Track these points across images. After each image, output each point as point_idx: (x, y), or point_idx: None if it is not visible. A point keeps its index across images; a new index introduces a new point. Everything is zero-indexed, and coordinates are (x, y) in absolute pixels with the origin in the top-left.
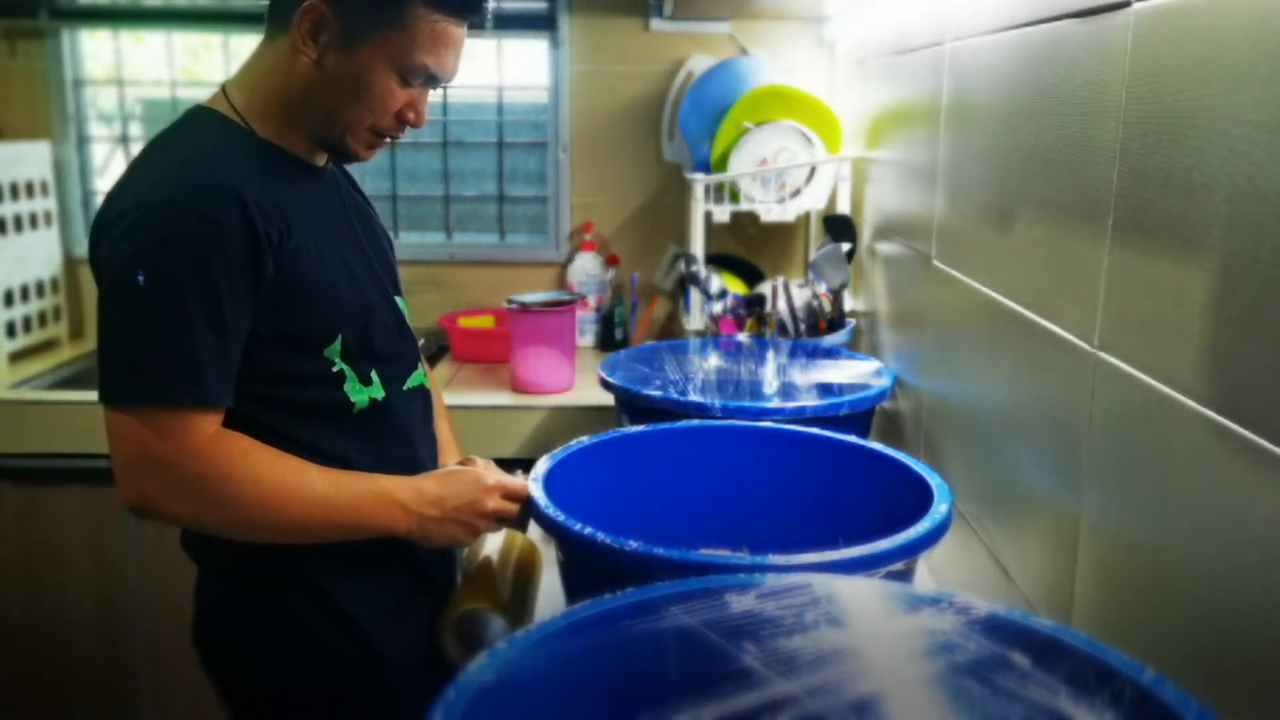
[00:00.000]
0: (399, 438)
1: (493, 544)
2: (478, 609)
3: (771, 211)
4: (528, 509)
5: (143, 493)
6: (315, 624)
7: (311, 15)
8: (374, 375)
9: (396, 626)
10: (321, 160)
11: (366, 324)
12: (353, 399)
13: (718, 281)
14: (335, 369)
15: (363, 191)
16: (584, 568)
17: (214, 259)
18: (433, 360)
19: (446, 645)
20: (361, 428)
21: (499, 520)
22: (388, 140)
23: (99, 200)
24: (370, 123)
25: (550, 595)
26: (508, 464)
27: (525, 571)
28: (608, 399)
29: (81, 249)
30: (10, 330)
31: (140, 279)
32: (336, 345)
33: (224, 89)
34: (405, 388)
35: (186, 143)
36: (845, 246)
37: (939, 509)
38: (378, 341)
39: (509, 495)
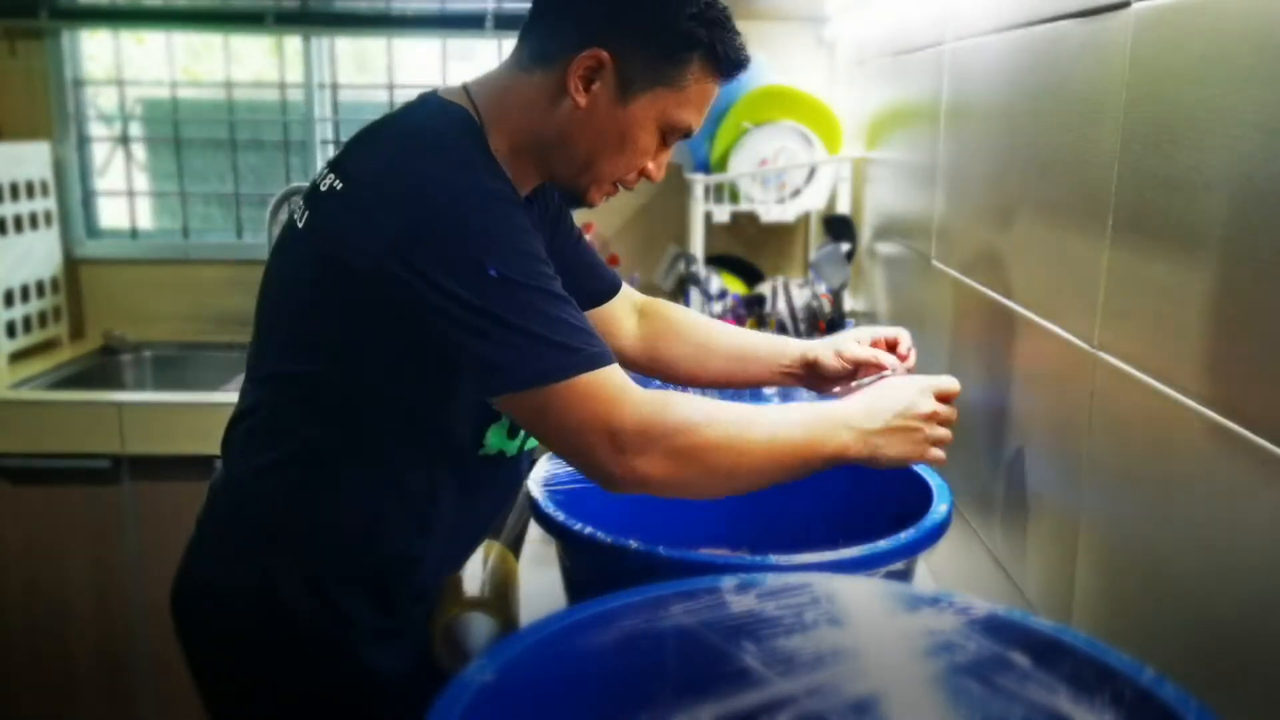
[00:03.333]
0: (502, 494)
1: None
2: (465, 613)
3: (771, 211)
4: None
5: (631, 466)
6: (305, 614)
7: (591, 62)
8: (521, 432)
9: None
10: (526, 192)
11: None
12: (488, 441)
13: (718, 281)
14: (497, 407)
15: (570, 226)
16: (584, 568)
17: (538, 244)
18: None
19: (436, 651)
20: (474, 473)
21: (941, 424)
22: (619, 190)
23: (99, 200)
24: (619, 175)
25: (550, 595)
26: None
27: (504, 574)
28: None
29: (81, 249)
30: (10, 330)
31: (492, 273)
32: None
33: (467, 92)
34: (526, 447)
35: (452, 136)
36: (845, 246)
37: (939, 509)
38: None
39: (941, 396)
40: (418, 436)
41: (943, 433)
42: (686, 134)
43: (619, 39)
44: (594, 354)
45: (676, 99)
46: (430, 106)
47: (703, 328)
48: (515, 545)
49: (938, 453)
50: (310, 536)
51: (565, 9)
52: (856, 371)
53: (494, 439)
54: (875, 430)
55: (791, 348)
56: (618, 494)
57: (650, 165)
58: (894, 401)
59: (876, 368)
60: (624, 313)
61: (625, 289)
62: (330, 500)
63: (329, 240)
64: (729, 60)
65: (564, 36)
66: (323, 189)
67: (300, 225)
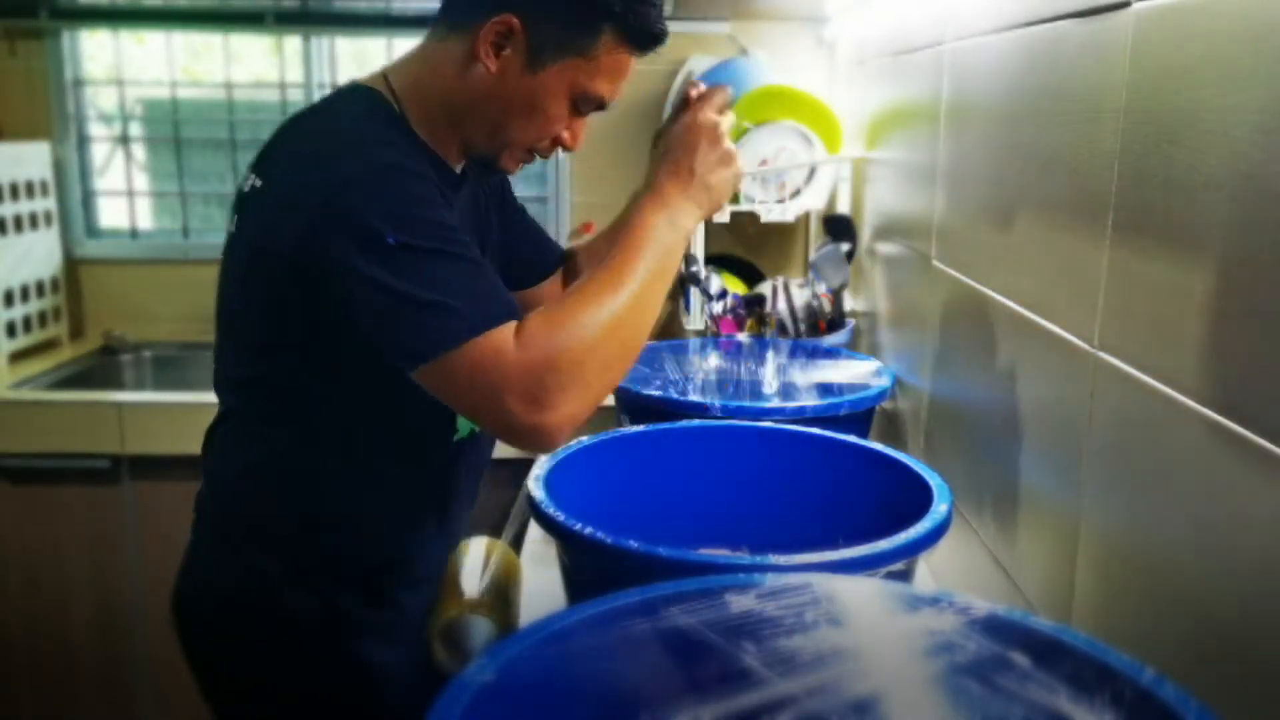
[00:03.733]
0: (474, 474)
1: (475, 552)
2: (464, 615)
3: (771, 211)
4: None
5: (535, 419)
6: (301, 612)
7: (501, 28)
8: None
9: (385, 633)
10: (459, 167)
11: None
12: (458, 425)
13: (718, 281)
14: None
15: (513, 201)
16: (584, 568)
17: (447, 214)
18: None
19: (435, 652)
20: (449, 458)
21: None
22: (535, 158)
23: (99, 200)
24: (531, 142)
25: (550, 595)
26: (508, 464)
27: (506, 576)
28: (608, 399)
29: (81, 249)
30: (10, 330)
31: (390, 241)
32: None
33: (385, 75)
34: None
35: (363, 119)
36: (845, 246)
37: (939, 509)
38: None
39: (719, 105)
40: (384, 428)
41: (729, 144)
42: (600, 105)
43: (530, 6)
44: (479, 315)
45: (588, 69)
46: (343, 95)
47: (606, 230)
48: (515, 545)
49: (743, 162)
50: (295, 534)
51: None
52: None
53: (463, 422)
54: (692, 187)
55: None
56: (547, 450)
57: (565, 134)
58: (682, 148)
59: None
60: (570, 274)
61: (573, 253)
62: (310, 497)
63: (251, 241)
64: (642, 32)
65: (477, 3)
66: (246, 190)
67: (232, 230)
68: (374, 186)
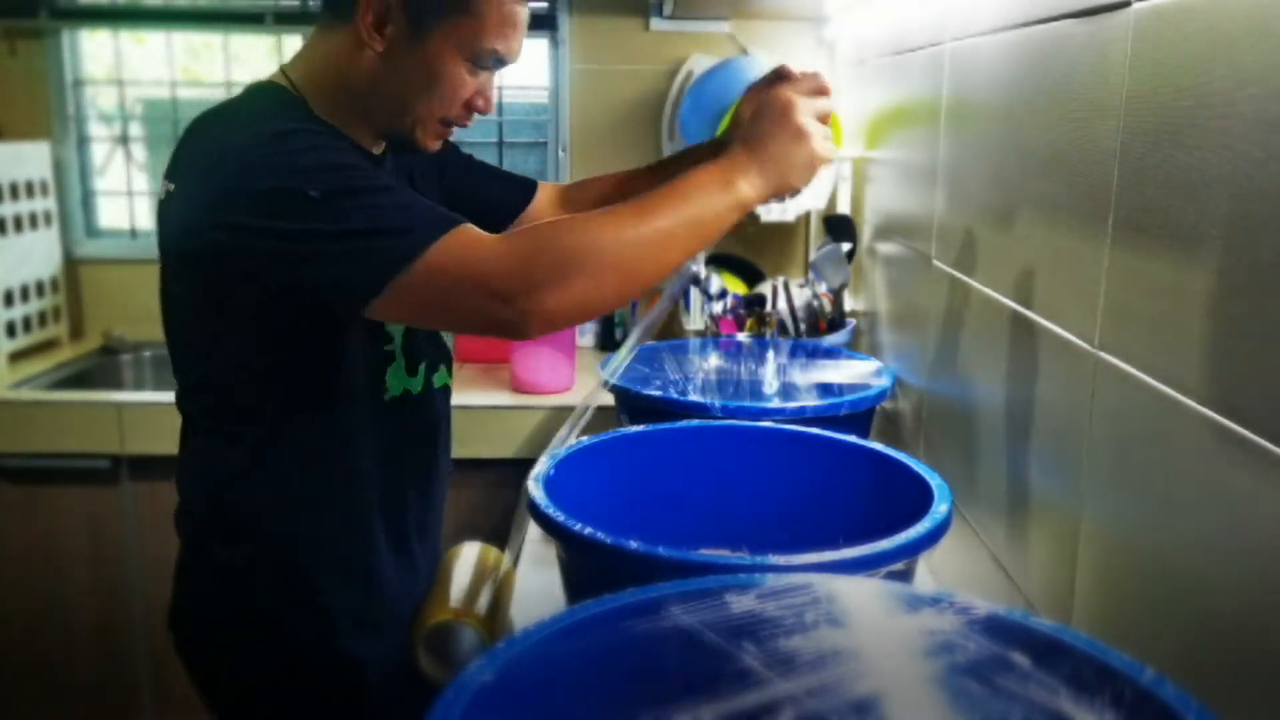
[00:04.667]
0: (423, 435)
1: (466, 556)
2: (448, 621)
3: (771, 211)
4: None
5: (524, 309)
6: (287, 616)
7: (377, 6)
8: (421, 368)
9: (373, 634)
10: (380, 149)
11: None
12: (388, 384)
13: (718, 281)
14: (388, 348)
15: (463, 157)
16: (584, 568)
17: (347, 155)
18: None
19: (418, 657)
20: (387, 419)
21: (822, 120)
22: (454, 130)
23: (99, 200)
24: (441, 113)
25: (550, 595)
26: (508, 464)
27: (498, 584)
28: (608, 399)
29: (81, 249)
30: (10, 330)
31: (313, 194)
32: (401, 325)
33: (283, 71)
34: (438, 385)
35: (263, 107)
36: (845, 246)
37: (939, 509)
38: (424, 334)
39: (806, 89)
40: (320, 401)
41: (823, 129)
42: (501, 61)
43: None
44: (430, 225)
45: (474, 27)
46: (246, 92)
47: (620, 175)
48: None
49: (828, 147)
50: (265, 530)
51: None
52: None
53: (393, 380)
54: (758, 155)
55: (705, 145)
56: (534, 338)
57: (479, 100)
58: (755, 119)
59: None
60: (551, 207)
61: (546, 187)
62: (269, 490)
63: (166, 242)
64: None
65: None
66: (162, 198)
67: (158, 243)
68: (277, 153)
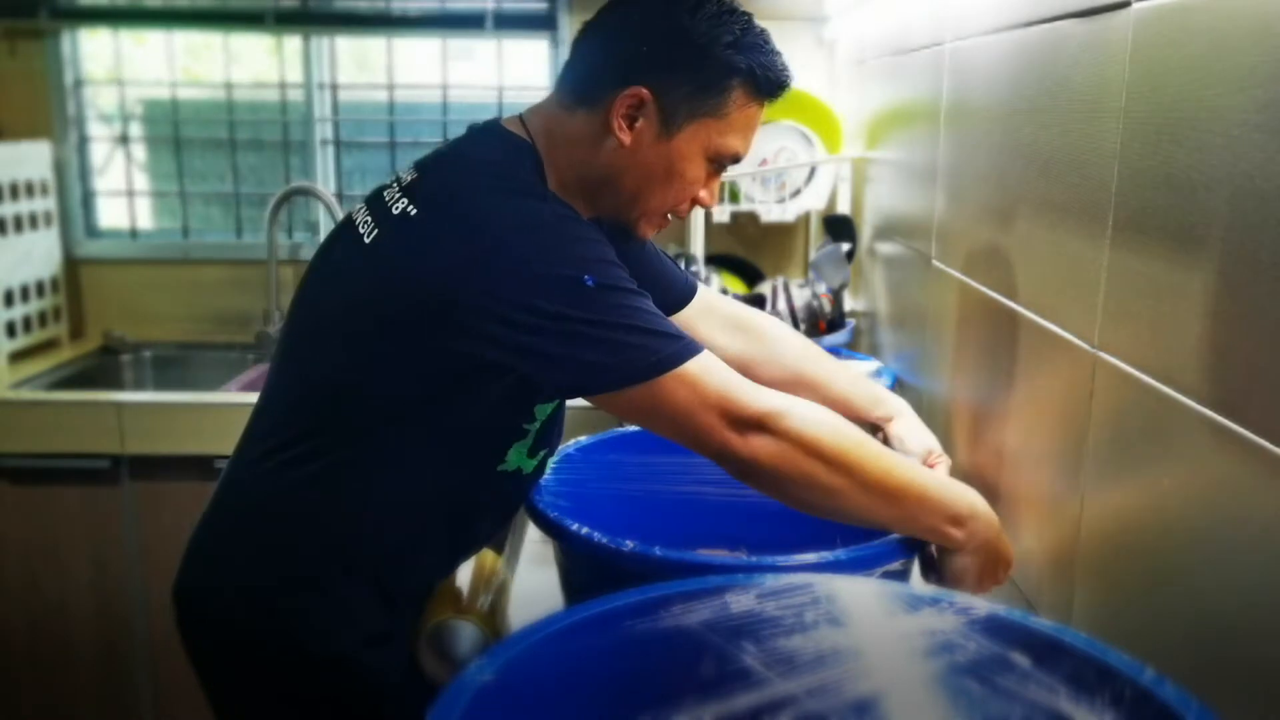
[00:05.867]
0: (508, 511)
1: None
2: (449, 619)
3: (771, 211)
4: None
5: (747, 444)
6: (303, 605)
7: (632, 101)
8: (542, 453)
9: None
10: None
11: (562, 402)
12: (509, 458)
13: (718, 281)
14: (528, 426)
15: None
16: (583, 568)
17: (612, 250)
18: None
19: (421, 654)
20: (488, 485)
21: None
22: (669, 220)
23: (99, 200)
24: (669, 206)
25: (549, 595)
26: None
27: (494, 581)
28: None
29: (81, 249)
30: (10, 330)
31: (589, 282)
32: (550, 408)
33: (524, 123)
34: (543, 467)
35: (525, 170)
36: (845, 246)
37: None
38: (559, 424)
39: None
40: (450, 453)
41: (1002, 577)
42: (735, 159)
43: (658, 75)
44: (692, 342)
45: (720, 127)
46: (495, 137)
47: (796, 356)
48: (513, 552)
49: (998, 580)
50: (326, 543)
51: (603, 48)
52: None
53: (514, 456)
54: (988, 533)
55: (874, 412)
56: (730, 474)
57: (703, 193)
58: (995, 531)
59: None
60: (706, 321)
61: (703, 293)
62: (354, 510)
63: (400, 265)
64: (770, 82)
65: (604, 76)
66: (395, 211)
67: (367, 241)
68: (560, 235)
